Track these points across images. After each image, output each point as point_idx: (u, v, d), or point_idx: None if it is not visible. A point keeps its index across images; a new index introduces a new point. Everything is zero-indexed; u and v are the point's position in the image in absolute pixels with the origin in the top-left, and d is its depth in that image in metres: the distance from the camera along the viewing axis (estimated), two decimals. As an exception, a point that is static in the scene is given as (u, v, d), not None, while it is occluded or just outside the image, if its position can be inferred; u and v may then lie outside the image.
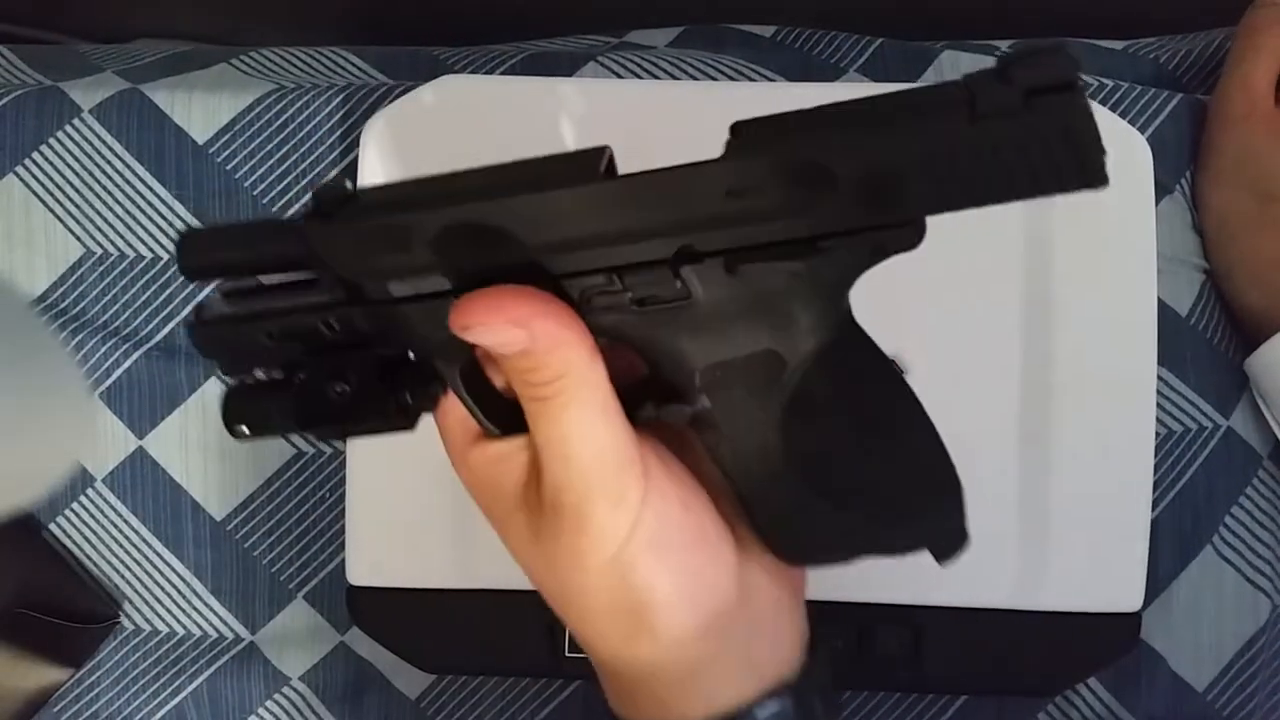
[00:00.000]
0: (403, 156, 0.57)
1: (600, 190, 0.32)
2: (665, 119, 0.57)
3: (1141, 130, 0.61)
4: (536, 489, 0.36)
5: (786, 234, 0.32)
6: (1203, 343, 0.60)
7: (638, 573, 0.35)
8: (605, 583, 0.35)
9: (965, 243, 0.56)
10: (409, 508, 0.57)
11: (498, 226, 0.32)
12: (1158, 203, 0.60)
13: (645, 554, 0.34)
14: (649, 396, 0.36)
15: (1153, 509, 0.58)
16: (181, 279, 0.62)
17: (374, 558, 0.58)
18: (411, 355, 0.38)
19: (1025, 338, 0.56)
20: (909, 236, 0.32)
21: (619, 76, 0.63)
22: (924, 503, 0.36)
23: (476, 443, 0.38)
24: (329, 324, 0.36)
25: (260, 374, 0.39)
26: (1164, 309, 0.59)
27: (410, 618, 0.58)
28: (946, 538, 0.36)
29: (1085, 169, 0.28)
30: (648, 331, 0.34)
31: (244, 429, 0.37)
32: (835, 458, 0.35)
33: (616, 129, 0.56)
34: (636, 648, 0.36)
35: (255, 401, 0.38)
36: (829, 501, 0.36)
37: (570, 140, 0.56)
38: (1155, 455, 0.58)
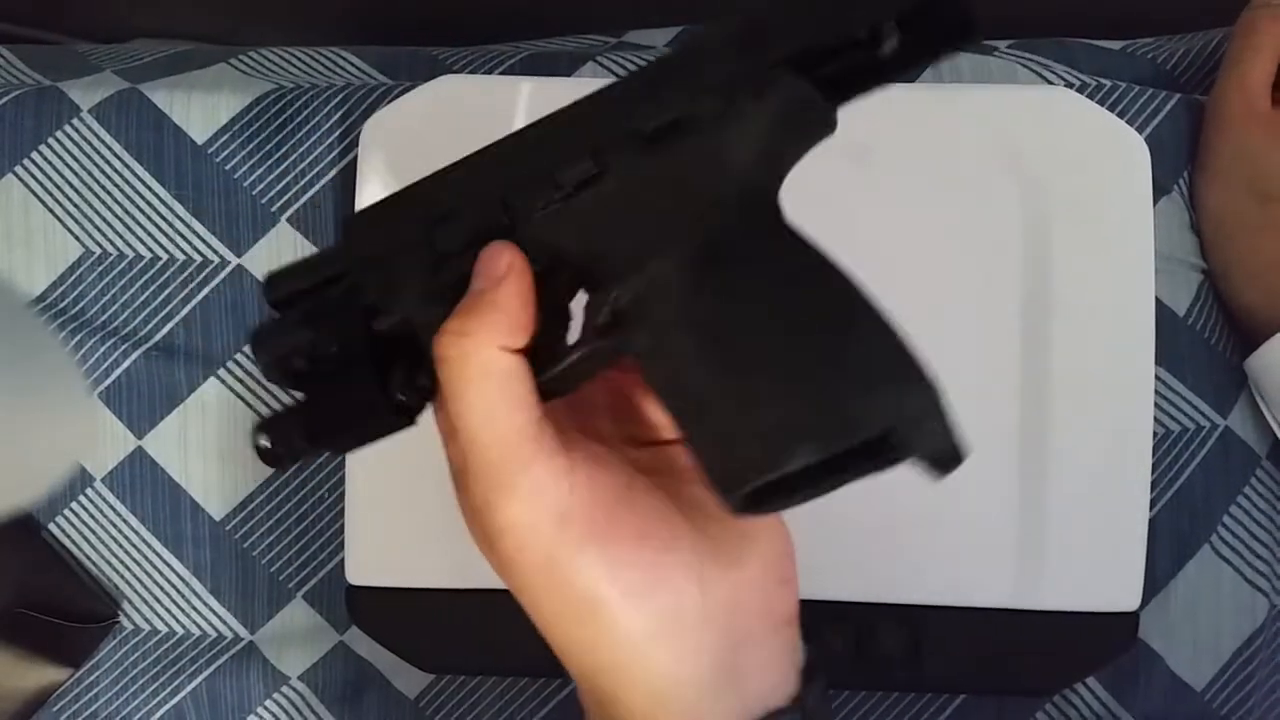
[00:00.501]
0: (402, 157, 0.57)
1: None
2: None
3: (1139, 130, 0.61)
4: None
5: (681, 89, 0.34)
6: (1200, 342, 0.60)
7: (578, 572, 0.33)
8: (548, 585, 0.34)
9: (963, 244, 0.56)
10: (408, 507, 0.57)
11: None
12: (1155, 203, 0.60)
13: (578, 551, 0.33)
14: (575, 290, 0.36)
15: (1150, 509, 0.58)
16: (181, 279, 0.63)
17: (373, 557, 0.58)
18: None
19: (1023, 338, 0.56)
20: (810, 108, 0.34)
21: (618, 77, 0.63)
22: (870, 374, 0.31)
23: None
24: (339, 315, 0.38)
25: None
26: (1162, 309, 0.59)
27: (409, 617, 0.58)
28: (921, 432, 0.30)
29: None
30: (578, 233, 0.35)
31: (266, 443, 0.38)
32: (765, 331, 0.32)
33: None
34: (597, 653, 0.34)
35: (278, 424, 0.38)
36: (760, 379, 0.32)
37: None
38: (1153, 455, 0.58)
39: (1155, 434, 0.59)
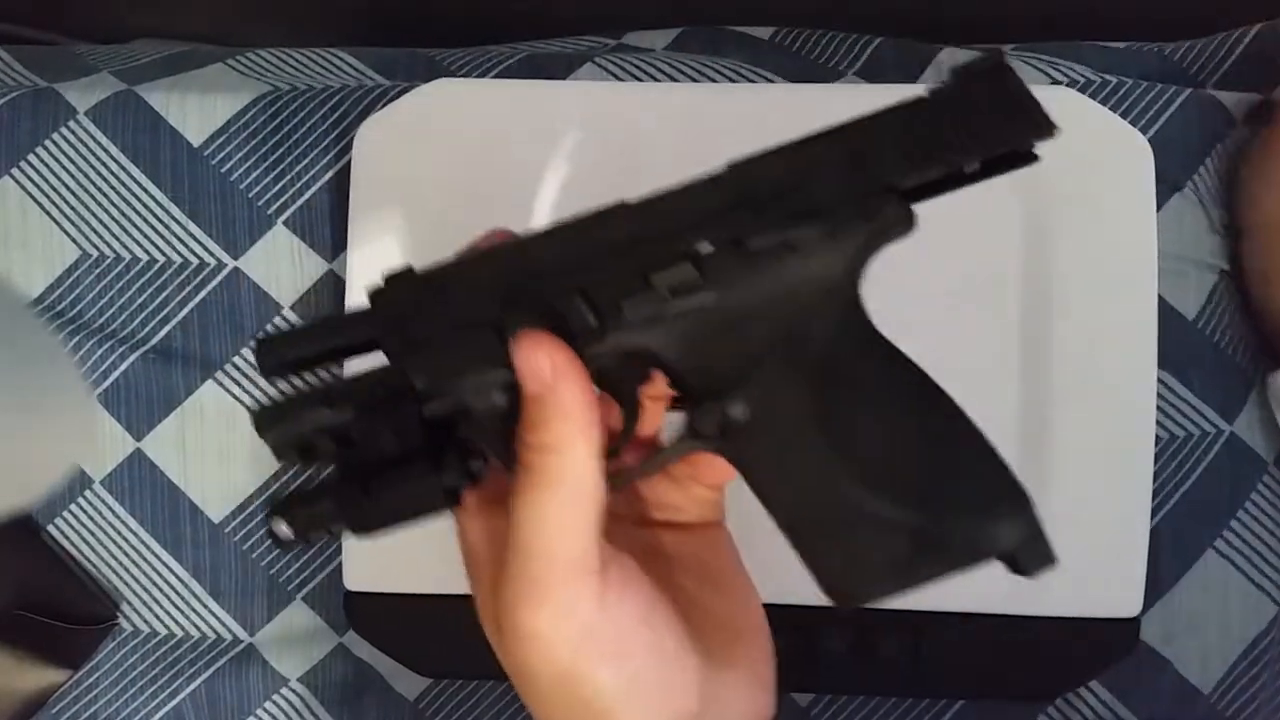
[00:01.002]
0: (395, 162, 0.56)
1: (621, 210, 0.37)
2: (662, 122, 0.56)
3: (1149, 125, 0.60)
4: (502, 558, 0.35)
5: (788, 209, 0.35)
6: (1209, 347, 0.59)
7: (594, 686, 0.34)
8: (560, 692, 0.35)
9: (964, 246, 0.55)
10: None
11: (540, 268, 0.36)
12: (1166, 200, 0.59)
13: (598, 667, 0.34)
14: (679, 407, 0.37)
15: (1154, 514, 0.58)
16: (178, 281, 0.62)
17: (370, 563, 0.58)
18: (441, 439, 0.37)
19: (1023, 342, 0.55)
20: (901, 221, 0.36)
21: (616, 78, 0.63)
22: (987, 496, 0.34)
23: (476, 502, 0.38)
24: (376, 406, 0.36)
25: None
26: (1169, 311, 0.59)
27: (407, 623, 0.58)
28: (1023, 541, 0.34)
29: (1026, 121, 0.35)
30: (673, 338, 0.35)
31: (286, 531, 0.36)
32: (882, 445, 0.35)
33: (611, 132, 0.56)
34: None
35: (300, 509, 0.37)
36: (885, 496, 0.34)
37: (563, 143, 0.56)
38: (1157, 461, 0.57)
39: (1159, 439, 0.58)
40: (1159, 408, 0.58)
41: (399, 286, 0.37)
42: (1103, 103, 0.59)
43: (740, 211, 0.35)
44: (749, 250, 0.35)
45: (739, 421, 0.35)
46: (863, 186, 0.35)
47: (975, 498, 0.34)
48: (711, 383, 0.35)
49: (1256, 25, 0.63)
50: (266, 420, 0.37)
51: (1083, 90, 0.60)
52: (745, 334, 0.35)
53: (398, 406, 0.36)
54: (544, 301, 0.36)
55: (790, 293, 0.35)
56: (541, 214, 0.56)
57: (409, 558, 0.57)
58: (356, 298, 0.57)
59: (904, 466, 0.34)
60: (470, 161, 0.56)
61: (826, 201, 0.35)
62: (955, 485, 0.34)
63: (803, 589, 0.56)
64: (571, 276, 0.36)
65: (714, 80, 0.62)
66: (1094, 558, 0.54)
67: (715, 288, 0.35)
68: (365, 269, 0.57)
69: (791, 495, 0.35)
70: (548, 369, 0.34)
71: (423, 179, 0.56)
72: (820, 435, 0.34)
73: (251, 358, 0.62)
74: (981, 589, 0.54)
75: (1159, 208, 0.58)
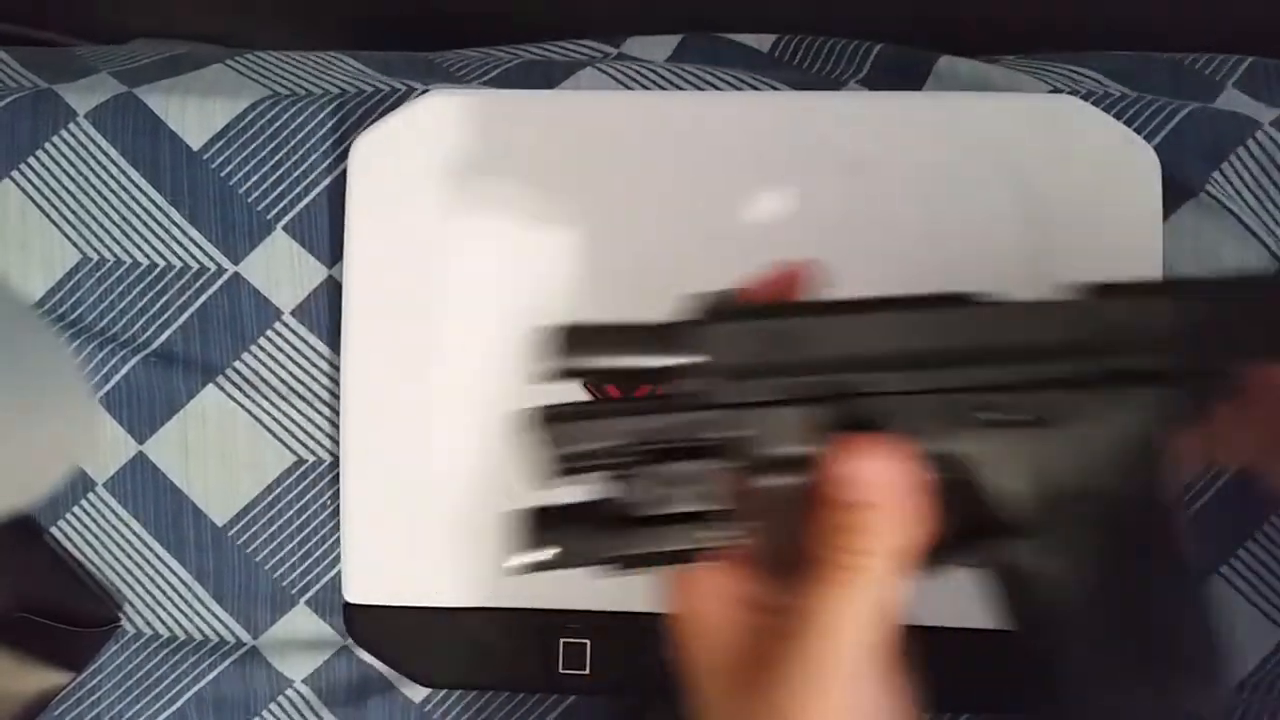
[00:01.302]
0: (391, 176, 0.56)
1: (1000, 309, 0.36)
2: (662, 132, 0.56)
3: (1159, 129, 0.59)
4: (766, 650, 0.35)
5: (1155, 366, 0.34)
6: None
7: None
8: None
9: (969, 256, 0.54)
10: (405, 526, 0.57)
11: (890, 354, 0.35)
12: (1178, 207, 0.58)
13: None
14: (969, 532, 0.35)
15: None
16: (179, 286, 0.62)
17: (371, 576, 0.58)
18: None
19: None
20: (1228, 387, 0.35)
21: (616, 83, 0.62)
22: (1213, 666, 0.35)
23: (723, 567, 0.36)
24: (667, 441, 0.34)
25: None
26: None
27: (407, 635, 0.58)
28: (1218, 706, 0.35)
29: None
30: (998, 461, 0.34)
31: (538, 555, 0.34)
32: (1150, 608, 0.35)
33: (608, 144, 0.56)
34: None
35: (557, 525, 0.35)
36: (1136, 654, 0.35)
37: (562, 155, 0.55)
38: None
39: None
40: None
41: (728, 323, 0.35)
42: (1107, 110, 0.58)
43: (1095, 356, 0.34)
44: (1097, 401, 0.34)
45: (1027, 565, 0.35)
46: (1210, 363, 0.35)
47: (1214, 669, 0.35)
48: (1013, 517, 0.34)
49: (1250, 59, 0.62)
50: (565, 421, 0.34)
51: (1087, 100, 0.59)
52: (1064, 479, 0.34)
53: (690, 446, 0.34)
54: (885, 391, 0.34)
55: (1122, 450, 0.34)
56: (541, 225, 0.56)
57: (408, 570, 0.57)
58: (355, 316, 0.57)
59: (1157, 630, 0.35)
60: (466, 174, 0.55)
61: (1176, 369, 0.34)
62: (1193, 657, 0.35)
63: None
64: (920, 373, 0.34)
65: (716, 88, 0.62)
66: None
67: (1057, 424, 0.34)
68: (362, 286, 0.57)
69: (1057, 629, 0.36)
70: (894, 482, 0.34)
71: (419, 193, 0.56)
72: (1102, 583, 0.34)
73: (252, 362, 0.62)
74: (979, 601, 0.54)
75: (1171, 216, 0.57)
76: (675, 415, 0.34)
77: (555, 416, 0.34)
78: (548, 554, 0.34)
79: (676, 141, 0.55)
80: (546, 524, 0.34)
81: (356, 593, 0.58)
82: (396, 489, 0.57)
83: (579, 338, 0.35)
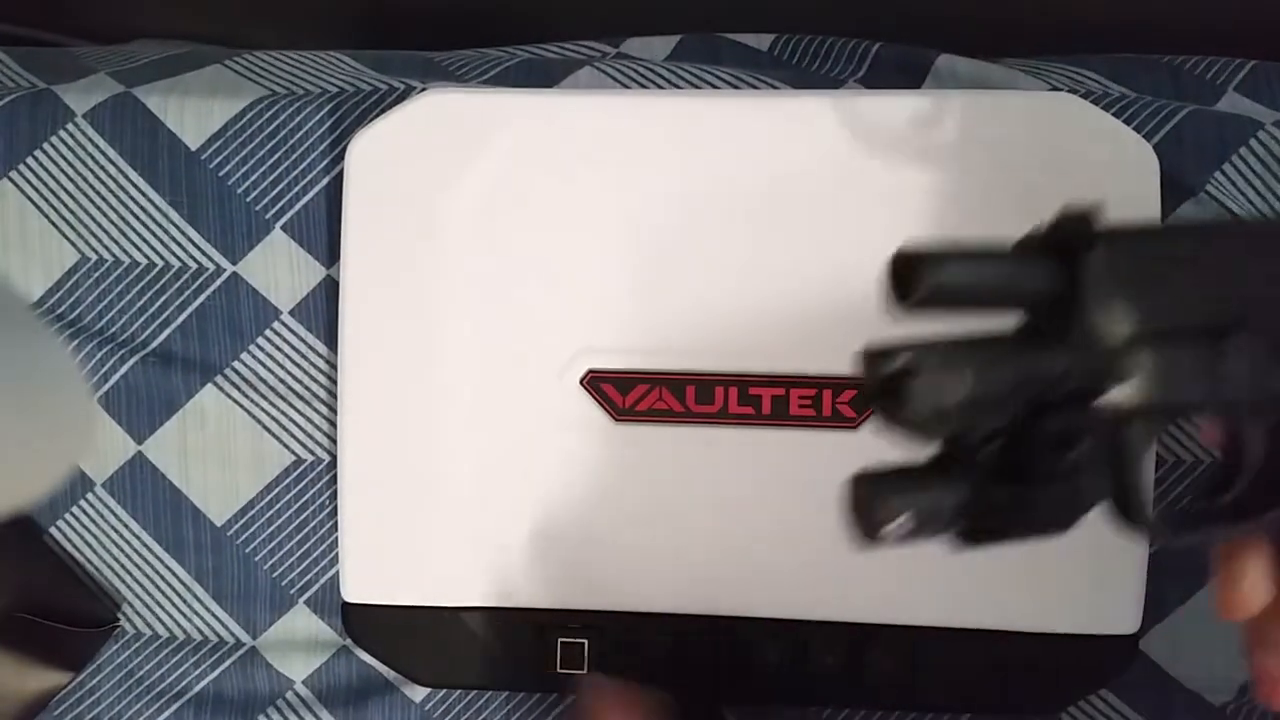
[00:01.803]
0: (389, 176, 0.56)
1: None
2: (662, 131, 0.55)
3: (1159, 128, 0.59)
4: None
5: None
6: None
7: None
8: None
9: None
10: (404, 526, 0.57)
11: None
12: (1176, 207, 0.58)
13: None
14: None
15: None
16: (177, 286, 0.62)
17: (369, 576, 0.58)
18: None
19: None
20: None
21: (615, 82, 0.62)
22: None
23: None
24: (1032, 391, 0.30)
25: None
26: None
27: (406, 634, 0.58)
28: None
29: None
30: None
31: (901, 522, 0.29)
32: None
33: (607, 143, 0.55)
34: None
35: (913, 488, 0.30)
36: None
37: (559, 155, 0.55)
38: (1164, 482, 0.57)
39: (1168, 461, 0.58)
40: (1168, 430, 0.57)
41: (1123, 244, 0.30)
42: (1107, 110, 0.58)
43: None
44: None
45: None
46: None
47: None
48: None
49: (1251, 62, 0.62)
50: (933, 368, 0.29)
51: (1086, 99, 0.59)
52: None
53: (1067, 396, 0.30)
54: None
55: None
56: (538, 224, 0.56)
57: (407, 570, 0.57)
58: (353, 316, 0.57)
59: None
60: (464, 173, 0.55)
61: None
62: None
63: (797, 602, 0.56)
64: None
65: (715, 88, 0.62)
66: (1092, 574, 0.54)
67: None
68: (360, 286, 0.57)
69: None
70: None
71: (417, 192, 0.56)
72: None
73: (250, 362, 0.62)
74: (978, 604, 0.54)
75: (1171, 215, 0.57)
76: (1050, 355, 0.30)
77: (925, 356, 0.29)
78: (900, 523, 0.29)
79: (676, 140, 0.55)
80: (895, 489, 0.30)
81: (355, 593, 0.58)
82: (395, 489, 0.57)
83: (943, 259, 0.29)
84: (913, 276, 0.29)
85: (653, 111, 0.56)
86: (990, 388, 0.29)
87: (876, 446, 0.55)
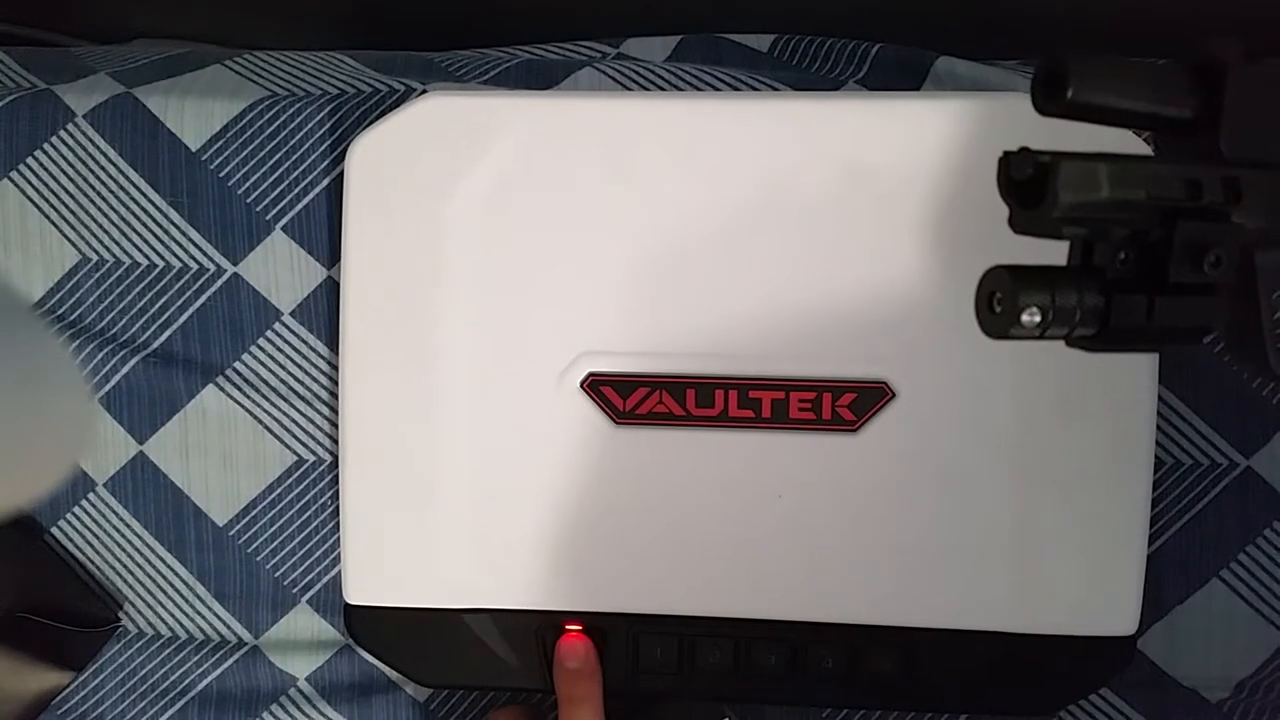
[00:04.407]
0: (389, 177, 0.56)
1: None
2: (658, 133, 0.55)
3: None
4: None
5: None
6: (1229, 374, 0.58)
7: None
8: None
9: (957, 261, 0.54)
10: (405, 529, 0.57)
11: None
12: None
13: None
14: None
15: (1157, 538, 0.57)
16: (178, 286, 0.62)
17: (371, 577, 0.58)
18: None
19: (1016, 357, 0.54)
20: None
21: (615, 83, 0.62)
22: None
23: None
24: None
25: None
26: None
27: (408, 636, 0.58)
28: None
29: None
30: None
31: (1032, 315, 0.30)
32: None
33: (607, 144, 0.55)
34: None
35: (1040, 288, 0.30)
36: None
37: (560, 157, 0.55)
38: (1162, 485, 0.57)
39: (1166, 464, 0.58)
40: (1166, 432, 0.57)
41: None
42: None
43: None
44: None
45: None
46: None
47: None
48: None
49: None
50: (1072, 166, 0.29)
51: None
52: None
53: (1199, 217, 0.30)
54: None
55: None
56: (538, 224, 0.56)
57: (410, 572, 0.58)
58: (354, 316, 0.57)
59: None
60: (464, 174, 0.55)
61: None
62: None
63: (796, 605, 0.56)
64: None
65: (715, 89, 0.62)
66: (1090, 575, 0.54)
67: None
68: (361, 286, 0.57)
69: None
70: None
71: (417, 193, 0.56)
72: None
73: (251, 362, 0.62)
74: (975, 605, 0.55)
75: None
76: (1184, 169, 0.31)
77: (1054, 164, 0.29)
78: (1031, 318, 0.30)
79: (676, 144, 0.55)
80: (1028, 284, 0.30)
81: (357, 594, 0.58)
82: (397, 491, 0.57)
83: (1089, 70, 0.30)
84: (1061, 82, 0.29)
85: (653, 114, 0.56)
86: (1125, 190, 0.30)
87: (875, 449, 0.55)
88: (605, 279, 0.55)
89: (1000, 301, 0.30)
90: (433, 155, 0.55)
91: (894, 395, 0.53)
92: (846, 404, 0.54)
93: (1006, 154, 0.30)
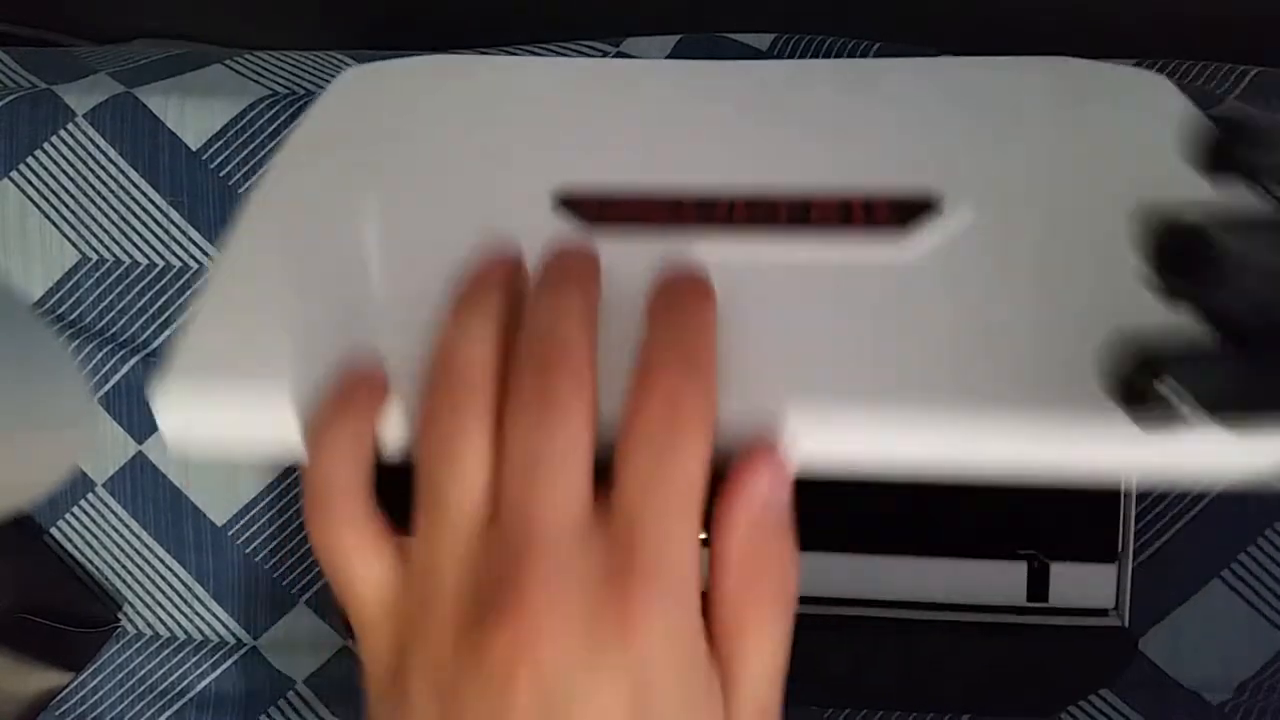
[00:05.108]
0: (316, 151, 0.50)
1: None
2: (620, 96, 0.49)
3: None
4: None
5: None
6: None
7: None
8: None
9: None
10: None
11: None
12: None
13: None
14: None
15: (1157, 538, 0.57)
16: (179, 286, 0.62)
17: None
18: None
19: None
20: None
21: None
22: None
23: None
24: None
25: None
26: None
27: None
28: None
29: None
30: None
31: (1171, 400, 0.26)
32: None
33: (566, 106, 0.50)
34: None
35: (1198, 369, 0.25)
36: None
37: (521, 120, 0.47)
38: (1148, 513, 0.57)
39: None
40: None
41: None
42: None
43: None
44: None
45: None
46: None
47: None
48: None
49: (1254, 70, 0.62)
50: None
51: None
52: None
53: None
54: None
55: None
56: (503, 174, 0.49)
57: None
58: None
59: None
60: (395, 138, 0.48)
61: None
62: None
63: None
64: None
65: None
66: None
67: None
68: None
69: None
70: None
71: (346, 160, 0.48)
72: None
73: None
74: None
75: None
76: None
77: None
78: (1172, 405, 0.25)
79: (642, 105, 0.48)
80: (1161, 364, 0.26)
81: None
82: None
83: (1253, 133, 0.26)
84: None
85: (611, 76, 0.50)
86: None
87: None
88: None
89: (1144, 391, 0.26)
90: (360, 124, 0.50)
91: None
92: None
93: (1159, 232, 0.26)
